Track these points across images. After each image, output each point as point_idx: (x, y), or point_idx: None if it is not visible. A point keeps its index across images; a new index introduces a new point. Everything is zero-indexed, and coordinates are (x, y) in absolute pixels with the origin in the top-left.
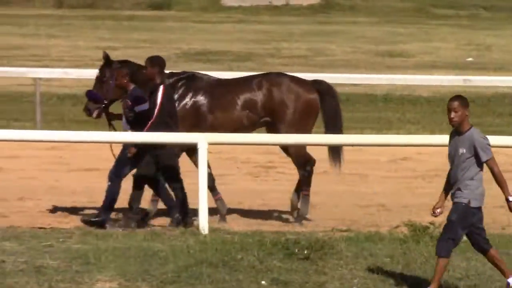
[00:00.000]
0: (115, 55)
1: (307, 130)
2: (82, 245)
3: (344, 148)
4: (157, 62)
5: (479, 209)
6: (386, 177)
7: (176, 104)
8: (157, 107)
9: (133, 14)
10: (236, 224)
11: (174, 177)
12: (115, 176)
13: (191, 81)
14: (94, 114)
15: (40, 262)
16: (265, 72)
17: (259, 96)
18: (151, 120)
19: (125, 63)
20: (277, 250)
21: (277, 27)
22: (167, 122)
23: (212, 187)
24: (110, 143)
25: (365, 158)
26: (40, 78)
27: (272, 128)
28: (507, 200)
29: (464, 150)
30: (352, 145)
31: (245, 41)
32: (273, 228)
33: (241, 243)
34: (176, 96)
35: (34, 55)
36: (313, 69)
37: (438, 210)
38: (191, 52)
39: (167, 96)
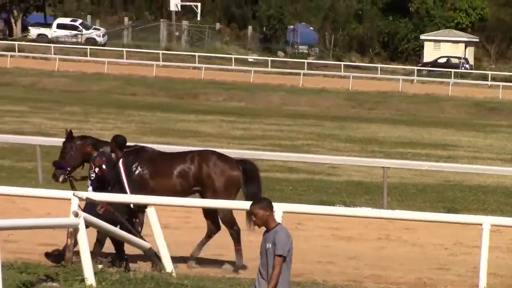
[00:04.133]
0: None
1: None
2: None
3: None
4: (116, 140)
5: None
6: None
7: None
8: (124, 177)
9: None
10: None
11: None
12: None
13: (139, 153)
14: (60, 179)
15: None
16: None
17: (191, 168)
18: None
19: (85, 137)
20: None
21: None
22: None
23: None
24: None
25: None
26: None
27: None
28: None
29: (270, 245)
30: None
31: None
32: None
33: None
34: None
35: None
36: None
37: None
38: None
39: (126, 167)
